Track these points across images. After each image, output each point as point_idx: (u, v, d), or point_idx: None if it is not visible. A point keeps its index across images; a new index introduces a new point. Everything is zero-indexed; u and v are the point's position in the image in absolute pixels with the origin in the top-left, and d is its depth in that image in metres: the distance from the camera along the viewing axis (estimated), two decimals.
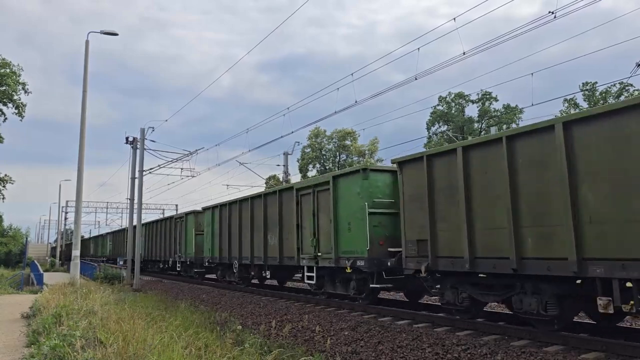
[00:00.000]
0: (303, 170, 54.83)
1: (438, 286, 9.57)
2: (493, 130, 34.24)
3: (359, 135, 53.61)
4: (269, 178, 49.50)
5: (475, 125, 48.09)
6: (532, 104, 16.20)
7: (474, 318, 9.16)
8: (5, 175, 35.93)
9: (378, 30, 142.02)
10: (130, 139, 25.86)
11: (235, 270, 18.66)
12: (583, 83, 41.41)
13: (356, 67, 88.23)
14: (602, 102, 37.44)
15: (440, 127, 50.17)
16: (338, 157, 55.41)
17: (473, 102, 49.34)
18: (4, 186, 35.79)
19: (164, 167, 26.78)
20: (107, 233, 50.20)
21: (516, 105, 46.09)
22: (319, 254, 12.98)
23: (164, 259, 28.64)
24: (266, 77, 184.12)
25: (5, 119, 33.63)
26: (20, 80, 32.67)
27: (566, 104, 40.48)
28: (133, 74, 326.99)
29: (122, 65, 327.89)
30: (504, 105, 47.96)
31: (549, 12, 10.92)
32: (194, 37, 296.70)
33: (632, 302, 6.25)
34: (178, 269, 26.27)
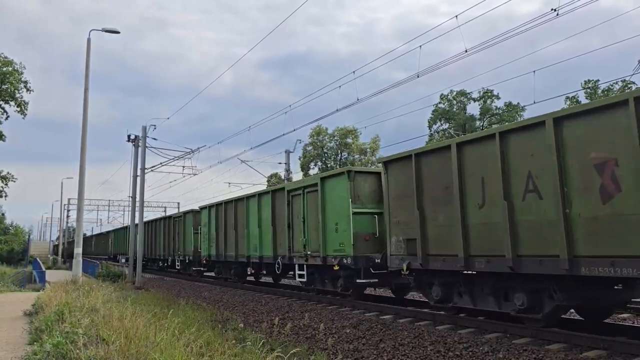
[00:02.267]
0: (305, 168, 54.72)
1: None
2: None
3: (360, 134, 53.56)
4: (271, 176, 49.41)
5: (477, 123, 47.95)
6: (534, 102, 16.06)
7: None
8: (8, 173, 35.87)
9: (378, 29, 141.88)
10: (132, 136, 25.86)
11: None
12: (585, 81, 41.25)
13: (356, 65, 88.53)
14: None
15: (441, 125, 50.05)
16: (340, 155, 55.31)
17: (475, 100, 49.18)
18: (6, 184, 35.70)
19: (165, 165, 26.81)
20: (109, 231, 50.30)
21: (518, 103, 45.97)
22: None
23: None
24: (268, 74, 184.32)
25: (8, 117, 33.66)
26: (22, 79, 32.63)
27: (568, 102, 40.32)
28: (133, 73, 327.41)
29: (122, 65, 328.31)
30: (505, 103, 47.86)
31: (552, 9, 10.91)
32: (194, 36, 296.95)
33: None
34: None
